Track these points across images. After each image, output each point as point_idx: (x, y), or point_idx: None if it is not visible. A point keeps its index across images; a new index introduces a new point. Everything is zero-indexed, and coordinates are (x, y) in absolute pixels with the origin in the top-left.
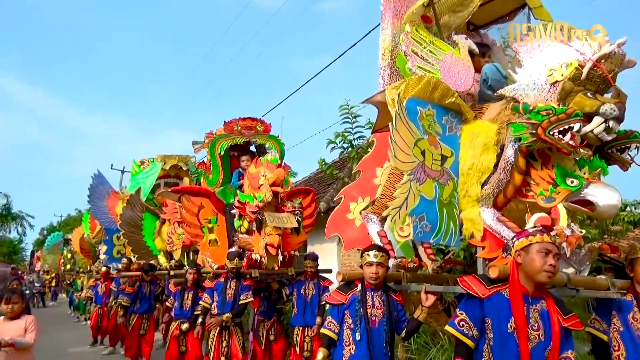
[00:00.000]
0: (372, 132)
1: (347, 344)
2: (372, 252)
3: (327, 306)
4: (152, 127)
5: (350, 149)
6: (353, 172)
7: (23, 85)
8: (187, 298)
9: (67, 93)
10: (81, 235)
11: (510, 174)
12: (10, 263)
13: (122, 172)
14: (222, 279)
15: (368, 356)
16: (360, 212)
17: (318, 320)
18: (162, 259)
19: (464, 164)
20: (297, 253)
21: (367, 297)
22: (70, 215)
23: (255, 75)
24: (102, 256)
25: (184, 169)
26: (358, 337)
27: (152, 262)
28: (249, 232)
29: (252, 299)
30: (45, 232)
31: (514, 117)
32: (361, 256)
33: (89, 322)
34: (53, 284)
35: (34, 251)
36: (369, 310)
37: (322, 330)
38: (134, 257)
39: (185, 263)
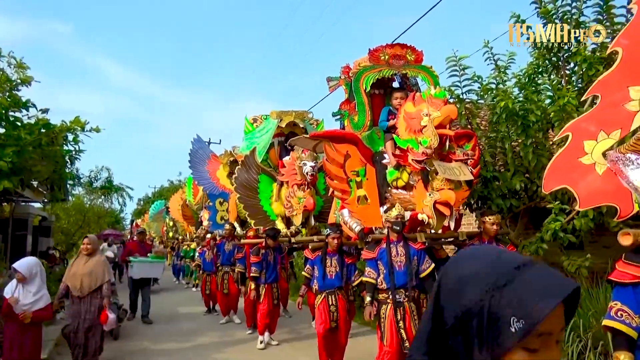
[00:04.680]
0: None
1: None
2: None
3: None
4: (236, 96)
5: (458, 104)
6: (582, 99)
7: (114, 64)
8: (331, 265)
9: (151, 68)
10: (182, 202)
11: None
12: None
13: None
14: (383, 245)
15: None
16: (604, 154)
17: None
18: (280, 225)
19: None
20: (465, 212)
21: None
22: (163, 186)
23: (338, 38)
24: (205, 223)
25: (300, 126)
26: None
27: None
28: (406, 186)
29: (433, 265)
30: (142, 202)
31: None
32: None
33: (193, 287)
34: None
35: (133, 220)
36: None
37: (610, 322)
38: (237, 223)
39: (305, 229)
